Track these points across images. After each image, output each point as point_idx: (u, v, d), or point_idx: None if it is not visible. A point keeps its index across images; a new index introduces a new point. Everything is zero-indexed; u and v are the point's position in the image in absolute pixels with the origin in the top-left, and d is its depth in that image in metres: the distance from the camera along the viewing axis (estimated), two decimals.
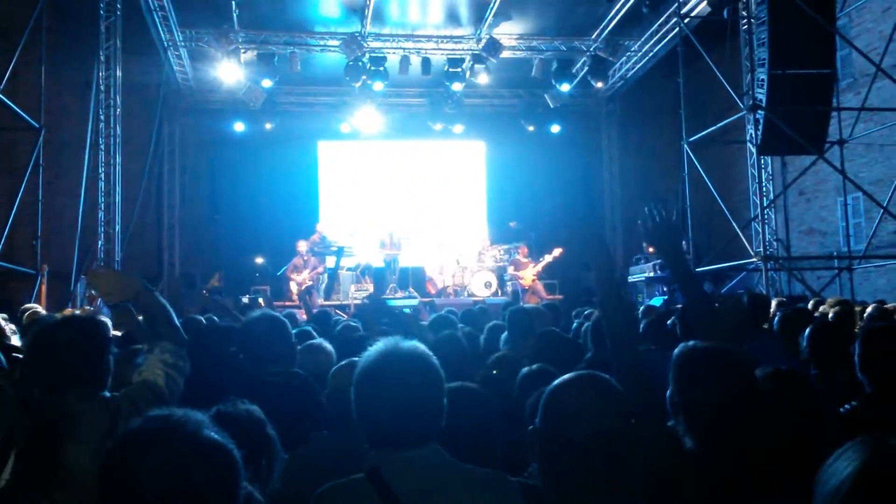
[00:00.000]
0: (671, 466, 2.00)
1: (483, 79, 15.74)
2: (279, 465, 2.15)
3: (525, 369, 3.22)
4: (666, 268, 14.32)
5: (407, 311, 11.35)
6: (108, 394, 2.44)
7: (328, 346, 3.94)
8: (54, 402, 2.29)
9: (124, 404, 2.37)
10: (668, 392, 2.21)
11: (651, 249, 15.50)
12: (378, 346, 1.91)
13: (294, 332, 3.68)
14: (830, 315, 5.87)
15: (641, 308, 8.23)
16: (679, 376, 2.18)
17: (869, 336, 3.20)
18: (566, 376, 1.77)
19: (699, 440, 2.09)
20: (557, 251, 14.74)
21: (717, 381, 2.10)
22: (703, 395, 2.10)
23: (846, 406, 3.04)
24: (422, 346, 1.94)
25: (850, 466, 1.19)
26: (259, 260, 15.93)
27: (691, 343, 2.27)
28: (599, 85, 16.83)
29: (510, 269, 15.24)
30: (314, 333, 4.89)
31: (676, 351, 2.24)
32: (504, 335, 4.89)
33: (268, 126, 16.99)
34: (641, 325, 5.52)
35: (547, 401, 1.74)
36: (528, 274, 14.81)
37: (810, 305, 6.98)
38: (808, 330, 3.86)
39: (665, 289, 15.12)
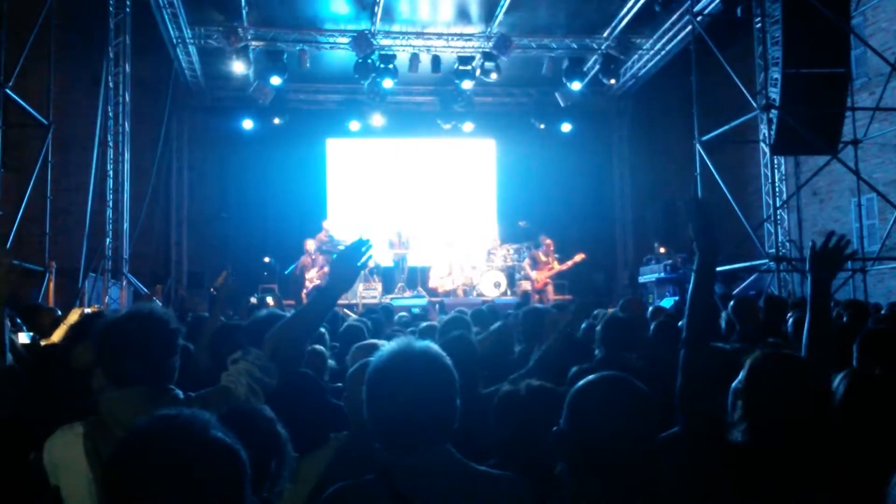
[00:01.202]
0: (714, 459, 2.03)
1: (493, 77, 15.68)
2: (289, 464, 2.10)
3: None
4: (689, 262, 14.26)
5: (416, 310, 11.32)
6: (181, 393, 2.37)
7: (318, 346, 3.92)
8: (120, 397, 2.25)
9: (197, 405, 2.29)
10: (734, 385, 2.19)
11: (663, 250, 15.42)
12: (391, 346, 1.90)
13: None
14: (845, 318, 5.78)
15: (651, 309, 8.15)
16: (748, 375, 2.15)
17: (866, 339, 3.18)
18: (591, 377, 1.78)
19: (753, 435, 2.07)
20: (580, 256, 14.63)
21: (787, 385, 2.07)
22: (769, 397, 2.07)
23: None
24: (435, 347, 1.94)
25: None
26: (266, 259, 15.90)
27: (766, 351, 2.24)
28: (611, 83, 16.76)
29: (526, 263, 15.09)
30: (325, 333, 4.85)
31: (754, 355, 2.21)
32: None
33: (276, 123, 17.00)
34: (651, 327, 5.45)
35: (571, 402, 1.75)
36: (543, 276, 14.69)
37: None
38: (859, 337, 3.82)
39: (675, 289, 15.04)
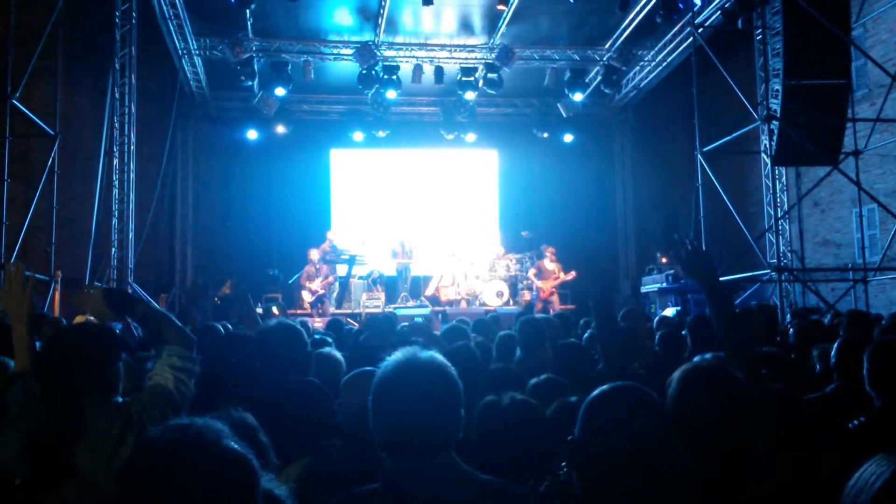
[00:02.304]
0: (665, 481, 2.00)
1: (494, 91, 15.77)
2: (272, 472, 2.14)
3: (533, 380, 3.21)
4: (699, 292, 14.28)
5: (418, 320, 11.34)
6: (119, 399, 2.46)
7: (338, 354, 3.95)
8: (68, 408, 2.32)
9: (135, 409, 2.40)
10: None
11: (664, 260, 15.46)
12: (396, 356, 1.92)
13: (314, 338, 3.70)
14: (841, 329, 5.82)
15: (656, 319, 8.17)
16: (679, 391, 2.14)
17: (876, 350, 3.18)
18: (604, 387, 1.79)
19: (692, 454, 2.07)
20: (572, 274, 14.68)
21: (711, 396, 2.07)
22: (697, 410, 2.07)
23: (855, 421, 3.01)
24: (440, 357, 1.95)
25: (881, 479, 1.19)
26: (271, 272, 15.95)
27: (694, 361, 2.26)
28: (613, 94, 16.81)
29: (531, 273, 15.09)
30: (329, 340, 4.90)
31: (679, 370, 2.21)
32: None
33: (281, 134, 17.06)
34: (656, 336, 5.50)
35: (586, 412, 1.76)
36: (549, 286, 14.72)
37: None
38: (836, 344, 3.84)
39: (677, 300, 15.05)
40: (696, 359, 3.35)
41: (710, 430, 2.03)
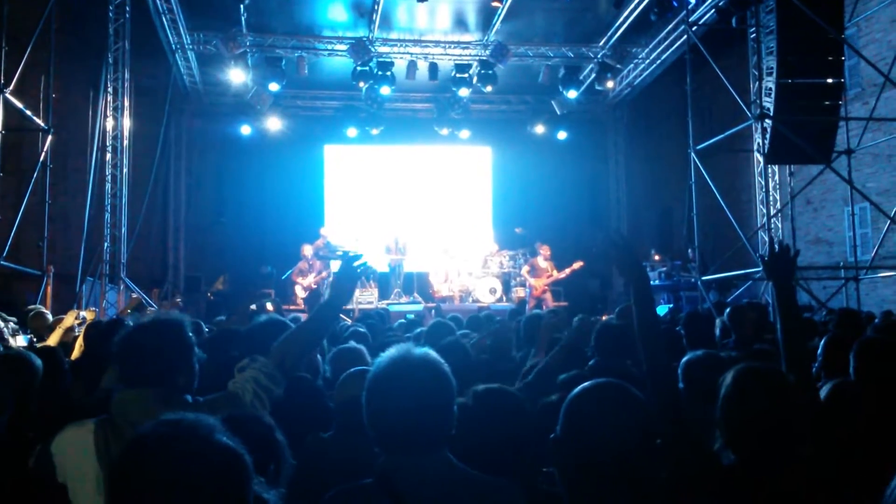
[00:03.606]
0: (709, 482, 2.00)
1: (489, 89, 15.76)
2: (286, 471, 2.14)
3: (563, 376, 3.24)
4: (684, 270, 14.28)
5: (411, 316, 11.34)
6: (189, 398, 2.44)
7: (362, 348, 3.87)
8: (131, 397, 2.32)
9: (204, 410, 2.35)
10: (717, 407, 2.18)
11: (658, 257, 15.48)
12: (390, 353, 1.92)
13: None
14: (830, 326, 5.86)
15: None
16: (728, 394, 2.14)
17: (862, 349, 3.19)
18: (586, 384, 1.77)
19: (740, 456, 2.07)
20: (578, 264, 14.62)
21: (760, 399, 2.07)
22: (745, 413, 2.08)
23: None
24: (433, 353, 1.95)
25: None
26: (265, 269, 15.92)
27: (746, 365, 2.23)
28: (608, 89, 16.82)
29: (524, 270, 15.09)
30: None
31: (733, 370, 2.20)
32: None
33: (274, 129, 17.02)
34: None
35: (568, 409, 1.74)
36: (542, 283, 14.71)
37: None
38: (822, 342, 3.85)
39: (670, 297, 15.10)
40: (689, 355, 3.37)
41: (762, 432, 2.02)
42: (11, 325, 6.26)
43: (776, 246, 2.71)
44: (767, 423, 2.03)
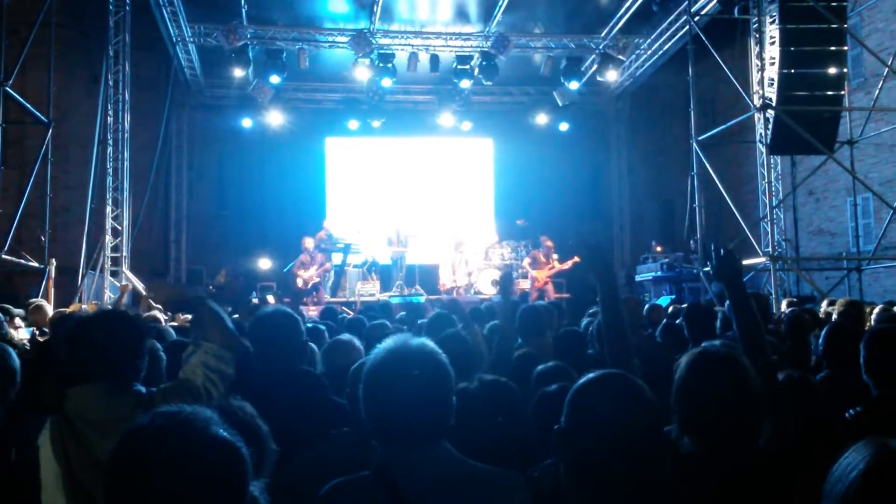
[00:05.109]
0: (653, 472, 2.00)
1: (489, 83, 15.74)
2: (270, 457, 2.14)
3: (541, 366, 3.21)
4: (686, 262, 14.29)
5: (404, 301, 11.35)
6: (143, 389, 2.46)
7: (357, 342, 3.88)
8: (82, 392, 2.33)
9: (157, 400, 2.38)
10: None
11: (659, 249, 15.47)
12: (387, 344, 1.89)
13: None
14: (834, 315, 5.84)
15: (647, 307, 8.20)
16: (682, 378, 2.15)
17: (873, 338, 3.16)
18: (591, 375, 1.74)
19: (695, 441, 2.07)
20: (575, 259, 14.60)
21: (714, 381, 2.08)
22: (699, 396, 2.08)
23: (851, 411, 3.01)
24: (431, 344, 1.93)
25: (856, 470, 1.20)
26: (265, 263, 15.91)
27: (700, 347, 2.26)
28: (610, 81, 16.77)
29: (526, 262, 15.07)
30: (322, 328, 4.88)
31: (687, 355, 2.21)
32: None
33: (275, 122, 17.00)
34: (659, 328, 5.52)
35: (572, 400, 1.72)
36: (543, 275, 14.68)
37: (824, 305, 6.94)
38: (824, 331, 3.83)
39: (672, 288, 15.09)
40: (705, 344, 3.35)
41: (717, 416, 2.03)
42: (17, 319, 6.28)
43: (720, 251, 2.76)
44: (721, 406, 2.03)
